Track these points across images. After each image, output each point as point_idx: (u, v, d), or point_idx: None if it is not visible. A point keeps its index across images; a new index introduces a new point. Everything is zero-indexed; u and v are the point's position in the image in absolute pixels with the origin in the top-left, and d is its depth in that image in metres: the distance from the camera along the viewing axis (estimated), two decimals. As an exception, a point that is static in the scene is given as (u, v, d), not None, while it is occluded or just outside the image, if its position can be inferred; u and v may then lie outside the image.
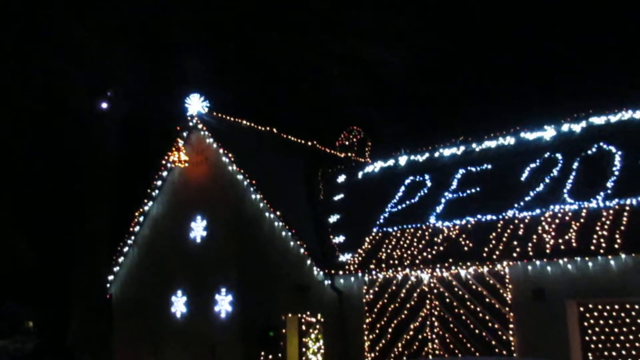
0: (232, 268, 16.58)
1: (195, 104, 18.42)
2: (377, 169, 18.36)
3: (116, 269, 18.94)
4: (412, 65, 23.19)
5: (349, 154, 20.99)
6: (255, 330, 15.74)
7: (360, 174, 18.60)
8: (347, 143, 20.93)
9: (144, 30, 21.79)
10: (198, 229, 17.59)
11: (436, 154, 17.22)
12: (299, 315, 15.84)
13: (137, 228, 18.86)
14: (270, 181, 17.17)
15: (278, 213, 16.27)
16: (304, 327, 15.70)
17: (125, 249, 18.98)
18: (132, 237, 18.87)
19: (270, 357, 15.38)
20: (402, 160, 17.86)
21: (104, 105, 21.39)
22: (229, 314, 16.27)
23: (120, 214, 20.76)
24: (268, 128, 19.53)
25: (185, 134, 18.45)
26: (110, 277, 18.92)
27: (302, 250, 15.76)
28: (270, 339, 15.25)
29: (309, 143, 20.39)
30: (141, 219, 18.84)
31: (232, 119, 19.17)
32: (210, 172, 17.81)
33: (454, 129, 18.26)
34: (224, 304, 16.45)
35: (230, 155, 17.35)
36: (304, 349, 15.60)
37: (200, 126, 18.23)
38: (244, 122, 19.33)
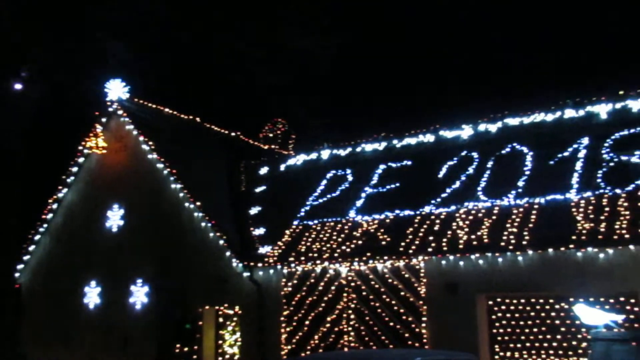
0: (149, 259, 16.30)
1: (116, 89, 17.94)
2: (299, 161, 18.40)
3: (26, 257, 18.23)
4: (338, 59, 23.34)
5: (273, 146, 20.95)
6: (171, 323, 15.53)
7: (282, 167, 18.59)
8: (270, 135, 20.89)
9: (62, 6, 20.98)
10: (115, 218, 17.17)
11: (358, 149, 17.42)
12: (217, 307, 15.72)
13: (50, 216, 18.21)
14: (191, 171, 16.94)
15: (198, 203, 16.07)
16: (221, 320, 15.60)
17: (37, 237, 18.29)
18: (45, 225, 18.20)
19: (186, 349, 15.22)
20: (325, 154, 17.97)
21: (18, 85, 20.47)
22: (145, 306, 16.00)
23: (33, 201, 19.97)
24: (191, 117, 19.23)
25: (104, 120, 17.94)
26: (20, 267, 18.19)
27: (221, 242, 15.62)
28: (186, 331, 15.08)
29: (232, 134, 20.21)
30: (55, 206, 18.21)
31: (153, 106, 18.76)
32: (129, 160, 17.41)
33: (377, 124, 18.49)
34: (139, 295, 16.15)
35: (150, 143, 17.00)
36: (220, 342, 15.50)
37: (120, 112, 17.77)
38: (166, 110, 18.97)
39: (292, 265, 14.65)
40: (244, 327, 15.30)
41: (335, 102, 24.45)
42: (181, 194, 16.36)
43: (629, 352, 7.93)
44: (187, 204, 16.26)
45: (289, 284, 14.77)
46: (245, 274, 15.16)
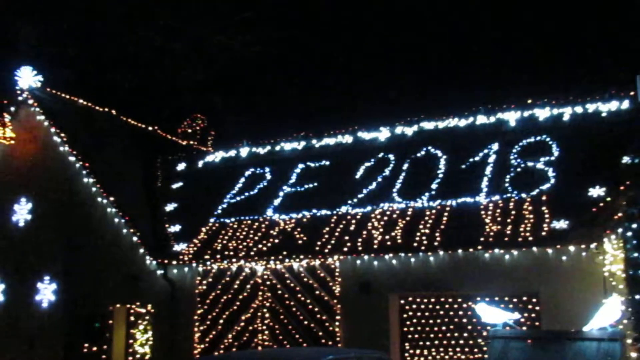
0: (58, 255, 15.73)
1: (27, 77, 17.19)
2: (218, 158, 18.23)
3: None
4: (260, 56, 23.22)
5: (191, 142, 20.64)
6: (79, 321, 15.06)
7: (200, 163, 18.36)
8: (189, 131, 20.55)
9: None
10: (22, 212, 16.48)
11: (277, 148, 17.44)
12: (128, 305, 15.34)
13: (-50, 208, 17.24)
14: (105, 165, 16.47)
15: (111, 199, 15.65)
16: (132, 318, 15.24)
17: None
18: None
19: (95, 349, 14.79)
20: (244, 151, 17.88)
21: None
22: (52, 304, 15.43)
23: None
24: (107, 109, 18.66)
25: (12, 109, 17.15)
26: None
27: (134, 238, 15.27)
28: (95, 330, 14.66)
29: (150, 128, 19.77)
30: (-44, 198, 17.24)
31: (67, 97, 18.09)
32: (39, 152, 16.73)
33: (296, 123, 18.55)
34: (46, 292, 15.56)
35: (62, 134, 16.40)
36: (131, 341, 15.14)
37: (30, 102, 17.05)
38: (81, 101, 18.33)
39: (208, 263, 14.50)
40: (156, 325, 15.02)
41: (256, 100, 24.35)
42: (94, 189, 15.87)
43: (524, 350, 8.37)
44: (100, 199, 15.79)
45: (204, 282, 14.61)
46: (159, 272, 14.89)
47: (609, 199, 11.21)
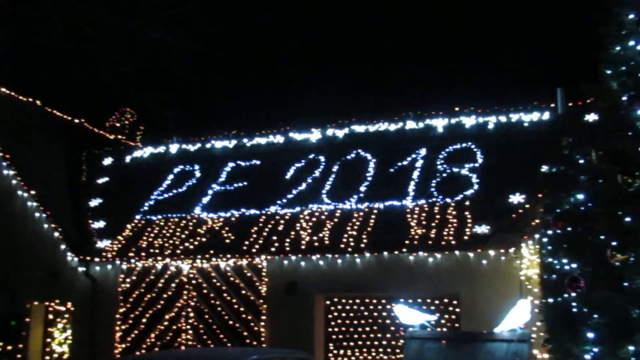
0: (-28, 250, 15.03)
1: (-57, 63, 16.33)
2: (146, 154, 17.88)
3: None
4: (192, 52, 22.87)
5: (119, 136, 20.12)
6: (-6, 319, 14.46)
7: (128, 158, 17.95)
8: (117, 125, 20.03)
9: None
10: None
11: (208, 145, 17.26)
12: (47, 303, 14.83)
13: None
14: (27, 157, 15.85)
15: (32, 192, 15.10)
16: (51, 316, 14.73)
17: None
18: None
19: (9, 348, 14.22)
20: (174, 148, 17.61)
21: None
22: (-36, 301, 14.71)
23: None
24: (30, 99, 17.97)
25: None
26: None
27: (56, 234, 14.79)
28: (11, 329, 14.11)
29: (76, 120, 19.16)
30: None
31: (-13, 85, 17.32)
32: (-45, 141, 15.94)
33: (228, 121, 18.41)
34: (-42, 289, 14.82)
35: (-20, 125, 15.68)
36: (48, 339, 14.64)
37: (-54, 89, 16.24)
38: (3, 90, 17.58)
39: (132, 260, 14.20)
40: (76, 324, 14.59)
41: (187, 96, 23.96)
42: (14, 181, 15.28)
43: (439, 350, 8.68)
44: (20, 192, 15.22)
45: (127, 280, 14.29)
46: (81, 269, 14.47)
47: (527, 206, 11.68)
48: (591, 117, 7.52)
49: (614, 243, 5.68)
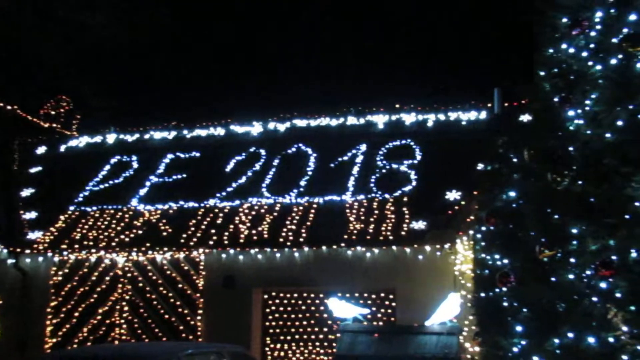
0: None
1: None
2: (82, 144, 17.40)
3: None
4: (133, 42, 22.42)
5: (54, 125, 19.49)
6: None
7: (63, 148, 17.42)
8: (52, 113, 19.39)
9: None
10: None
11: (146, 136, 16.95)
12: (-27, 296, 14.26)
13: None
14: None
15: (-41, 181, 14.46)
16: (-23, 310, 14.16)
17: None
18: None
19: None
20: (111, 138, 17.20)
21: None
22: None
23: None
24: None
25: None
26: None
27: (-16, 225, 14.22)
28: None
29: (9, 107, 18.45)
30: None
31: None
32: None
33: (167, 112, 18.08)
34: None
35: None
36: (-26, 334, 14.08)
37: None
38: None
39: (65, 253, 13.80)
40: (5, 318, 14.06)
41: (126, 86, 23.46)
42: (-61, 169, 14.62)
43: (371, 343, 8.84)
44: (-55, 181, 14.58)
45: (60, 273, 13.89)
46: (10, 261, 13.97)
47: (463, 202, 11.93)
48: (526, 117, 7.73)
49: (542, 239, 5.85)
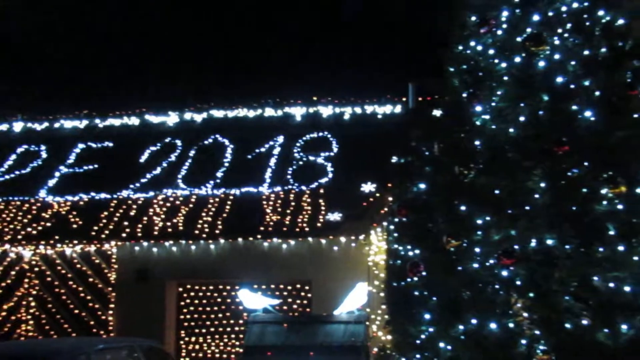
0: None
1: None
2: (-15, 132, 16.54)
3: None
4: (42, 26, 21.44)
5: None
6: None
7: (-36, 136, 16.50)
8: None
9: None
10: None
11: (56, 125, 16.29)
12: None
13: None
14: None
15: None
16: None
17: None
18: None
19: None
20: (17, 126, 16.43)
21: None
22: None
23: None
24: None
25: None
26: None
27: None
28: None
29: None
30: None
31: None
32: None
33: (79, 100, 17.40)
34: None
35: None
36: None
37: None
38: None
39: (-34, 246, 13.11)
40: None
41: (35, 72, 22.40)
42: None
43: (279, 333, 8.96)
44: None
45: (-40, 268, 13.19)
46: None
47: (377, 195, 12.17)
48: (438, 112, 7.96)
49: (449, 230, 6.07)
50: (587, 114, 5.93)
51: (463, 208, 6.14)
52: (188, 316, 12.80)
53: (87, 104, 16.91)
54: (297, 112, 15.22)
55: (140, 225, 12.85)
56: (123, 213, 13.27)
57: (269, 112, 15.37)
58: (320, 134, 14.58)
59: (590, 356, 5.27)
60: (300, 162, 13.93)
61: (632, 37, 6.40)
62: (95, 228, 12.96)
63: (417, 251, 7.14)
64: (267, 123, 15.18)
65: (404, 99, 14.59)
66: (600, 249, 5.53)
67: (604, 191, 5.59)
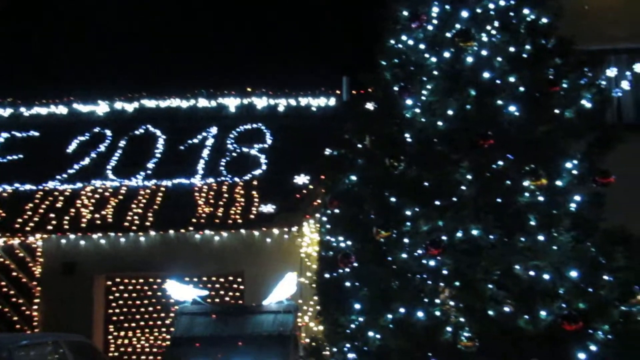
0: None
1: None
2: None
3: None
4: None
5: None
6: None
7: None
8: None
9: None
10: None
11: (-23, 113, 15.61)
12: None
13: None
14: None
15: None
16: None
17: None
18: None
19: None
20: None
21: None
22: None
23: None
24: None
25: None
26: None
27: None
28: None
29: None
30: None
31: None
32: None
33: (2, 88, 16.67)
34: None
35: None
36: None
37: None
38: None
39: None
40: None
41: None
42: None
43: (208, 324, 8.96)
44: None
45: None
46: None
47: (311, 186, 12.23)
48: (371, 105, 8.04)
49: (379, 221, 6.15)
50: (512, 108, 6.11)
51: (393, 200, 6.24)
52: (117, 310, 12.56)
53: (11, 91, 16.26)
54: (231, 103, 15.10)
55: (67, 218, 12.49)
56: (49, 205, 12.86)
57: (203, 102, 15.18)
58: (254, 125, 14.52)
59: (511, 341, 5.45)
60: (234, 154, 13.84)
61: (555, 35, 6.64)
62: (20, 220, 12.52)
63: (348, 242, 7.22)
64: (200, 114, 15.00)
65: (337, 92, 14.69)
66: (522, 239, 5.72)
67: (526, 183, 5.78)
